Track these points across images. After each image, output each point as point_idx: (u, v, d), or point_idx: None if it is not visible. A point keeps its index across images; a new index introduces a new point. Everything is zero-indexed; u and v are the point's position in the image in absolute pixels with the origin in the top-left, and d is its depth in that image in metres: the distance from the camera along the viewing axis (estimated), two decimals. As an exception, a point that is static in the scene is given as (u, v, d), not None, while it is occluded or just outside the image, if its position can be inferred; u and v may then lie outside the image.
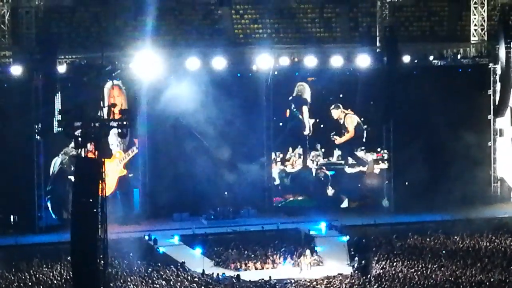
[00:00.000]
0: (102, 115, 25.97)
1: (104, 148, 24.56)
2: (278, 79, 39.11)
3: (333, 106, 41.24)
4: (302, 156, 41.28)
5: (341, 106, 41.22)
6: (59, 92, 35.74)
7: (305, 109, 40.72)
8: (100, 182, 21.98)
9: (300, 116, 41.06)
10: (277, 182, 40.96)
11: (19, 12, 37.23)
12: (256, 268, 30.68)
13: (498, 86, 39.36)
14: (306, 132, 41.48)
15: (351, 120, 41.39)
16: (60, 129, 31.16)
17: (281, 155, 41.13)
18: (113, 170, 39.34)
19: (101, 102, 31.37)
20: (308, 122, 41.42)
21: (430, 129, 38.99)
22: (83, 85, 35.89)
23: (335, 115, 41.35)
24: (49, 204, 37.17)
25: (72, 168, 32.84)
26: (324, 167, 41.23)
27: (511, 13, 40.49)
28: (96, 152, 22.83)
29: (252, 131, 39.08)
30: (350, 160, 41.17)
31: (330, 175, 41.05)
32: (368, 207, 39.23)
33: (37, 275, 28.68)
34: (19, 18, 37.13)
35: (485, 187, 39.41)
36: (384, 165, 40.25)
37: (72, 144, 27.84)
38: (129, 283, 27.35)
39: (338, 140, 41.47)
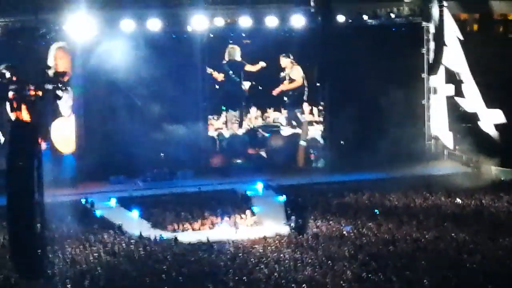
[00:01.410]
0: (37, 77, 26.89)
1: (40, 111, 25.87)
2: (213, 40, 39.45)
3: (283, 55, 41.77)
4: (239, 119, 42.06)
5: (291, 56, 41.83)
6: (-8, 56, 37.48)
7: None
8: (36, 145, 22.47)
9: (238, 80, 41.86)
10: (216, 144, 41.49)
11: None
12: (193, 229, 31.03)
13: (432, 44, 40.20)
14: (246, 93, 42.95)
15: (298, 71, 42.04)
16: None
17: (217, 118, 41.90)
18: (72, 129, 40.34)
19: (45, 65, 32.56)
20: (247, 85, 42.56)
21: (364, 89, 39.75)
22: (17, 48, 35.91)
23: (283, 63, 42.02)
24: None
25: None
26: (260, 129, 41.68)
27: None
28: (31, 116, 23.10)
29: (188, 93, 39.16)
30: (286, 122, 41.92)
31: (267, 137, 41.40)
32: (304, 167, 39.67)
33: None
34: None
35: (419, 145, 40.27)
36: (319, 126, 40.85)
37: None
38: (66, 247, 27.34)
39: (285, 86, 41.96)
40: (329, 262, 25.28)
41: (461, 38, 40.22)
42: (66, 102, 38.01)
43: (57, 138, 38.82)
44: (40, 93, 25.86)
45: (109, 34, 37.76)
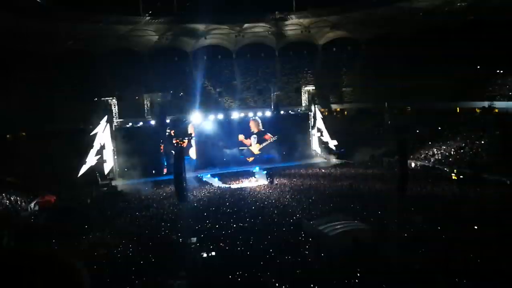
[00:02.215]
0: (183, 136, 31.01)
1: (186, 146, 29.88)
2: (241, 121, 44.95)
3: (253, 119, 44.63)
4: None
5: (258, 119, 45.13)
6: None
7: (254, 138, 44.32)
8: (183, 158, 27.68)
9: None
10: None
11: (152, 101, 43.19)
12: (236, 183, 36.13)
13: (312, 119, 45.82)
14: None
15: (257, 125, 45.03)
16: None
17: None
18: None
19: (187, 131, 39.53)
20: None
21: (290, 135, 45.30)
22: (176, 125, 40.55)
23: (252, 126, 44.91)
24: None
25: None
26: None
27: (315, 95, 46.59)
28: (183, 147, 28.46)
29: (233, 139, 44.72)
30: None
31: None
32: (271, 161, 43.49)
33: (163, 190, 34.37)
34: (153, 104, 42.90)
35: (308, 153, 45.76)
36: (275, 147, 43.86)
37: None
38: (194, 192, 32.67)
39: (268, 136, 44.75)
40: (281, 192, 30.66)
41: (321, 117, 45.44)
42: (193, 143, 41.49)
43: (191, 154, 42.79)
44: (185, 140, 30.28)
45: (206, 120, 43.27)
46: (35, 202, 30.04)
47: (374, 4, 46.35)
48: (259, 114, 45.07)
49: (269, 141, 44.92)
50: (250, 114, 45.12)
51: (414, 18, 47.55)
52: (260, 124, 44.84)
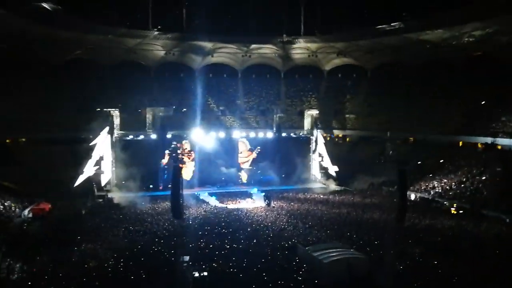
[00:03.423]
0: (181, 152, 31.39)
1: (182, 163, 30.42)
2: (237, 141, 43.86)
3: (241, 140, 44.73)
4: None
5: (245, 141, 45.53)
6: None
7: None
8: (180, 176, 27.47)
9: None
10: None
11: (155, 115, 42.48)
12: (233, 204, 35.73)
13: (313, 144, 45.28)
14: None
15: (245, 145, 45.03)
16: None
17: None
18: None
19: (181, 148, 39.03)
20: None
21: (290, 158, 44.67)
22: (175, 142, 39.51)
23: (241, 146, 45.05)
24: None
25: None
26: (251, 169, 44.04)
27: (318, 119, 45.72)
28: (180, 164, 28.57)
29: (232, 156, 44.68)
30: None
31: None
32: (269, 183, 43.05)
33: (159, 206, 33.81)
34: (155, 118, 42.23)
35: (307, 177, 45.12)
36: (274, 169, 43.57)
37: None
38: (190, 209, 32.15)
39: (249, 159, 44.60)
40: (278, 215, 30.30)
41: (323, 141, 44.92)
42: (191, 160, 41.90)
43: (185, 174, 39.54)
44: (185, 157, 31.08)
45: (207, 137, 42.82)
46: (29, 209, 29.93)
47: (381, 33, 47.01)
48: (261, 134, 45.33)
49: (254, 154, 45.65)
50: (252, 134, 45.28)
51: (421, 49, 48.17)
52: (248, 144, 45.55)
